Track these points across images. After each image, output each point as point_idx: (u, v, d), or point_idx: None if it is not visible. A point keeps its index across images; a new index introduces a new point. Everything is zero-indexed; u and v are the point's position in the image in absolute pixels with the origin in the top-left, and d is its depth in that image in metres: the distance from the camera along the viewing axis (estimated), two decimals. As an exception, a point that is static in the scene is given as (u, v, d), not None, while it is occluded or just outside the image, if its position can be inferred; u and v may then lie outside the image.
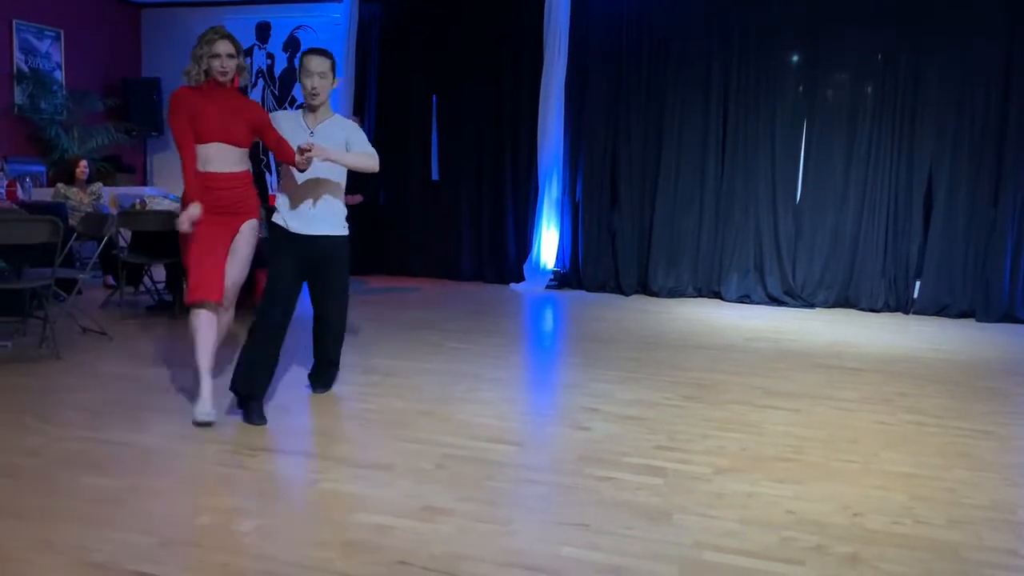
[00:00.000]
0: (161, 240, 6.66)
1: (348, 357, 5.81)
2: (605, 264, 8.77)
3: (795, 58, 8.17)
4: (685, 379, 5.14)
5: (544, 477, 3.42)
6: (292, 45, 10.27)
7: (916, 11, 7.66)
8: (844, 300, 8.09)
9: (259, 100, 10.57)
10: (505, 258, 9.21)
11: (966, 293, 7.74)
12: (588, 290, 8.77)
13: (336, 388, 4.69)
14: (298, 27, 10.23)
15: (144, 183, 10.44)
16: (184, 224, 3.81)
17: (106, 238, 6.52)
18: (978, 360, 6.09)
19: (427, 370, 5.17)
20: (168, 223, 6.52)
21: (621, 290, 8.65)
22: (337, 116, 4.19)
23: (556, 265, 9.00)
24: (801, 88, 8.15)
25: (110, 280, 7.56)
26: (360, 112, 9.59)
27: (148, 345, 5.74)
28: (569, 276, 8.98)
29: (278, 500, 3.16)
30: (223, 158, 3.93)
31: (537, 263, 8.99)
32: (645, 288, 8.63)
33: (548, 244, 8.97)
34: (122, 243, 7.15)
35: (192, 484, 3.28)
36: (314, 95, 4.02)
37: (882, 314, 7.86)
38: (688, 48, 8.35)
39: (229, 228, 4.02)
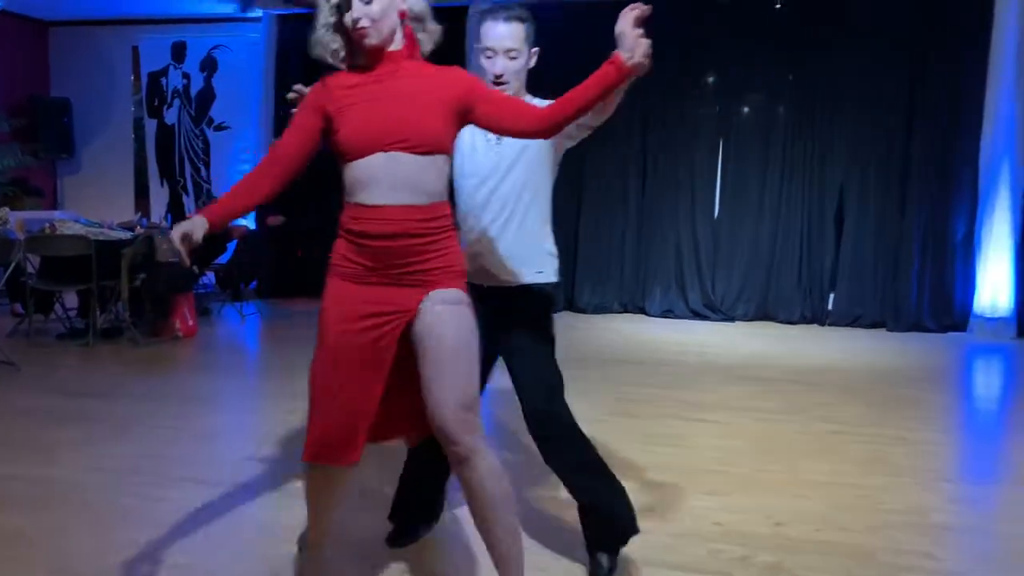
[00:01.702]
0: (72, 265, 6.41)
1: (272, 382, 5.69)
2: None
3: (711, 79, 8.40)
4: (615, 395, 5.19)
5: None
6: (209, 65, 10.07)
7: (827, 34, 7.95)
8: (763, 313, 8.30)
9: (175, 121, 10.32)
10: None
11: (877, 304, 8.03)
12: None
13: (259, 413, 4.57)
14: (215, 47, 10.04)
15: (54, 207, 10.05)
16: (177, 240, 2.19)
17: (13, 264, 6.25)
18: (890, 369, 6.32)
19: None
20: (81, 247, 6.29)
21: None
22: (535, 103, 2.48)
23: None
24: (718, 107, 8.38)
25: (18, 308, 7.25)
26: (280, 134, 9.44)
27: (59, 375, 5.51)
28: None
29: (197, 533, 3.06)
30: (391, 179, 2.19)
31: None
32: (572, 305, 8.71)
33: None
34: (31, 269, 6.86)
35: (106, 519, 3.15)
36: (502, 84, 2.58)
37: (799, 326, 8.09)
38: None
39: (393, 320, 2.22)
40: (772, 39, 8.01)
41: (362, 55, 2.26)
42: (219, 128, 10.10)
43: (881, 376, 6.04)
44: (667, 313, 8.45)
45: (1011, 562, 2.97)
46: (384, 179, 2.17)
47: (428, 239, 2.20)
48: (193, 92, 10.18)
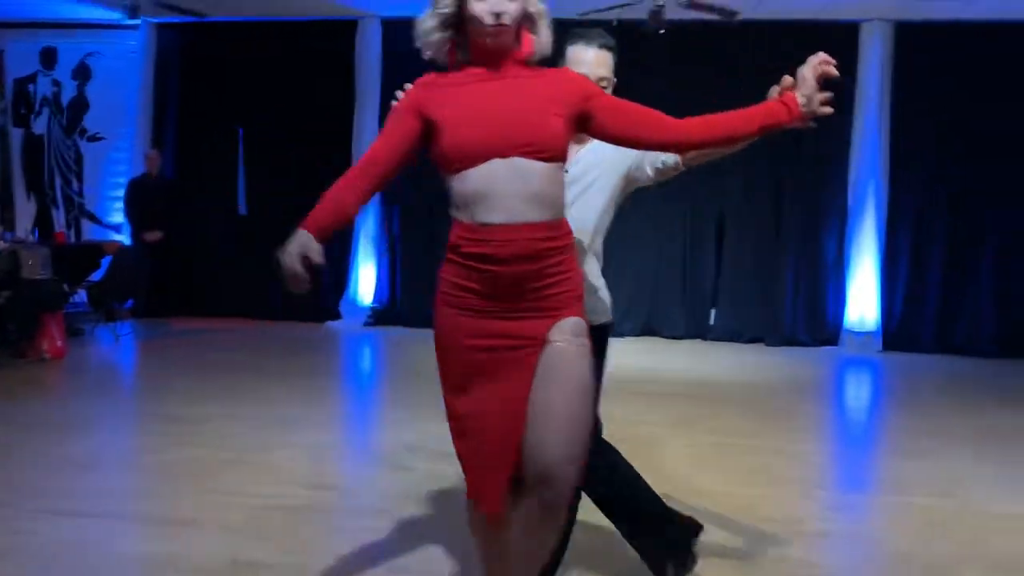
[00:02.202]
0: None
1: (148, 405, 5.42)
2: (426, 299, 8.70)
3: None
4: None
5: (364, 523, 3.31)
6: (82, 73, 9.58)
7: (707, 61, 8.26)
8: (648, 329, 8.51)
9: (44, 130, 9.76)
10: (320, 295, 8.97)
11: (756, 320, 8.37)
12: (409, 326, 8.67)
13: (136, 439, 4.34)
14: (89, 54, 9.57)
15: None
16: (297, 263, 2.05)
17: None
18: (769, 382, 6.58)
19: (238, 416, 4.90)
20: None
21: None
22: None
23: (374, 301, 8.87)
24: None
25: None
26: (159, 145, 9.09)
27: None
28: (388, 312, 8.87)
29: (72, 569, 2.86)
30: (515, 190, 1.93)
31: (355, 299, 8.82)
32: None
33: (366, 280, 8.84)
34: None
35: (-38, 559, 2.90)
36: None
37: (683, 341, 8.33)
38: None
39: (521, 348, 1.98)
40: (656, 63, 8.26)
41: (474, 53, 1.99)
42: (93, 139, 9.61)
43: (760, 389, 6.28)
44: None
45: (887, 567, 3.12)
46: (507, 191, 1.89)
47: (556, 260, 1.95)
48: (64, 101, 9.66)
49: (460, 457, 2.06)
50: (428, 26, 1.98)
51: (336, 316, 8.81)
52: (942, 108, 7.90)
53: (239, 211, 9.19)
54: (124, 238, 8.96)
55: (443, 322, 2.02)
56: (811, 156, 8.19)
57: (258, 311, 8.93)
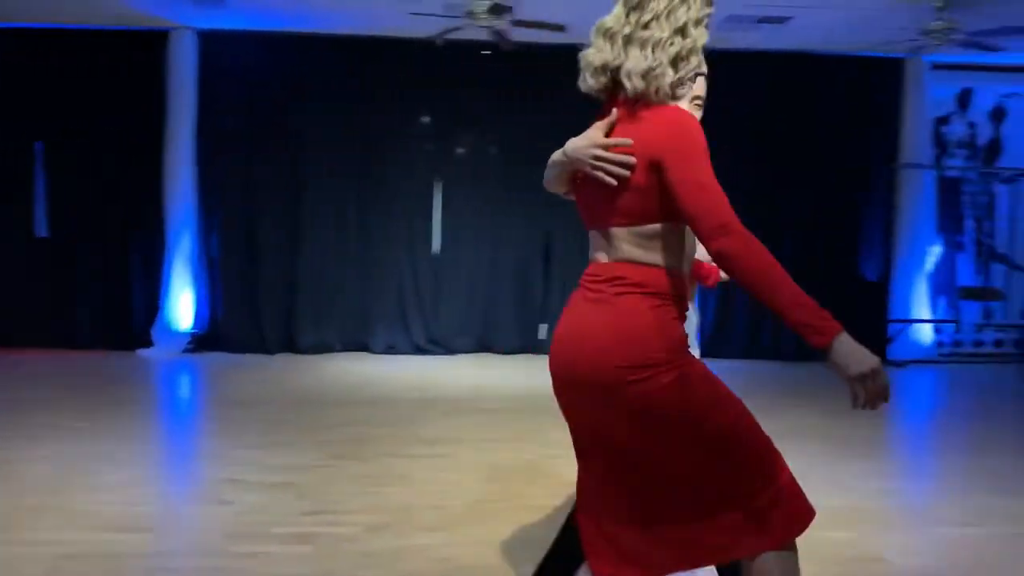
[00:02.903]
0: None
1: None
2: (247, 323, 8.37)
3: (427, 118, 8.60)
4: (336, 437, 5.03)
5: (182, 563, 3.09)
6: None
7: (530, 83, 8.45)
8: (482, 344, 8.57)
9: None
10: (131, 321, 8.37)
11: (584, 332, 8.61)
12: (229, 351, 8.26)
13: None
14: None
15: None
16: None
17: None
18: (597, 392, 6.78)
19: (37, 457, 4.46)
20: None
21: (266, 349, 8.30)
22: None
23: (193, 327, 8.39)
24: (433, 144, 8.59)
25: None
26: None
27: None
28: (208, 337, 8.41)
29: None
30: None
31: (169, 325, 8.29)
32: (292, 346, 8.38)
33: (183, 304, 8.34)
34: None
35: None
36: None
37: (515, 356, 8.44)
38: (326, 99, 8.38)
39: None
40: (483, 83, 8.38)
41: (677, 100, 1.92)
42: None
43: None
44: (390, 349, 8.43)
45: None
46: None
47: None
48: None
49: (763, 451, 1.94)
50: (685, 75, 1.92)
51: (148, 343, 8.24)
52: (745, 130, 8.46)
53: (38, 232, 8.44)
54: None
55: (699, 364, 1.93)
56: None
57: (61, 340, 8.21)
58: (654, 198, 1.86)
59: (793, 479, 1.92)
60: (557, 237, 8.59)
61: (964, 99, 9.06)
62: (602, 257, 1.97)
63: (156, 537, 3.37)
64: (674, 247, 1.91)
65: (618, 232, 1.92)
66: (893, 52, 7.60)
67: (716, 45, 9.40)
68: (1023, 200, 9.12)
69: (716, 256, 1.77)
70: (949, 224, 9.16)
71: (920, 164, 8.69)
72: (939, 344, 8.96)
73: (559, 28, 6.61)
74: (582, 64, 1.98)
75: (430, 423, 5.47)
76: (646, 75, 1.85)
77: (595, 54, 1.94)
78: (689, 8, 1.87)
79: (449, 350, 8.47)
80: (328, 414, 5.67)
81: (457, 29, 6.63)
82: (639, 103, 1.89)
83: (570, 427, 2.08)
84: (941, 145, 9.10)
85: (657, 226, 1.88)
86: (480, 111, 8.50)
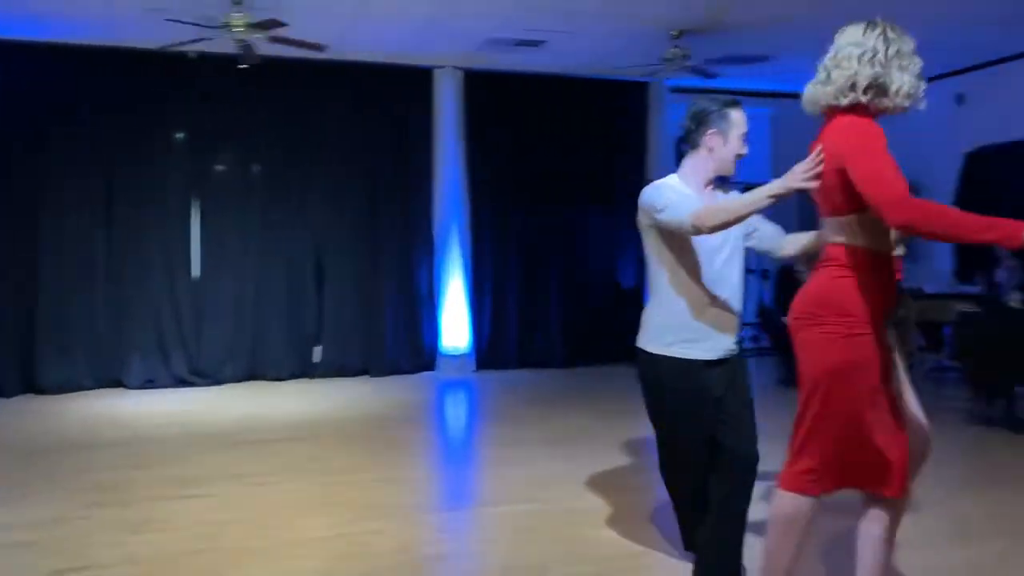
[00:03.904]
0: None
1: None
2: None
3: (181, 135, 8.08)
4: (88, 484, 4.56)
5: None
6: None
7: (296, 98, 8.20)
8: (252, 372, 8.16)
9: None
10: None
11: (360, 353, 8.48)
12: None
13: None
14: None
15: None
16: None
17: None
18: (376, 413, 6.70)
19: None
20: None
21: (1, 391, 7.37)
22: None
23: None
24: (190, 164, 8.07)
25: None
26: None
27: None
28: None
29: None
30: None
31: None
32: (32, 385, 7.50)
33: None
34: None
35: None
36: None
37: (288, 382, 8.12)
38: (67, 120, 7.63)
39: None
40: (242, 98, 8.02)
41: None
42: None
43: (369, 421, 6.36)
44: (149, 384, 7.79)
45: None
46: None
47: None
48: None
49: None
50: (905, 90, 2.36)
51: None
52: (508, 149, 8.80)
53: None
54: None
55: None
56: (401, 191, 8.56)
57: None
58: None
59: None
60: (328, 256, 8.40)
61: (700, 120, 9.95)
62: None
63: None
64: (873, 227, 2.37)
65: None
66: (638, 76, 8.18)
67: (475, 66, 9.77)
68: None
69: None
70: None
71: (666, 179, 9.43)
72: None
73: (318, 47, 6.50)
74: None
75: (195, 461, 5.11)
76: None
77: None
78: None
79: (215, 380, 7.98)
80: (77, 459, 5.13)
81: (207, 40, 6.31)
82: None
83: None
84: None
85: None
86: (239, 126, 8.11)
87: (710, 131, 2.91)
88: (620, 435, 5.65)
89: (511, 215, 8.89)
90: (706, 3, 6.40)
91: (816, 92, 2.40)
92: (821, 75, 2.37)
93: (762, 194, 2.54)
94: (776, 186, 2.50)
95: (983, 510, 4.04)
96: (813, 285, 2.41)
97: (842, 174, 2.25)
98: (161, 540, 3.67)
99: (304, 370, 8.30)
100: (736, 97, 3.01)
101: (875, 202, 2.18)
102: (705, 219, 2.66)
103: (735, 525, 2.93)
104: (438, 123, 8.58)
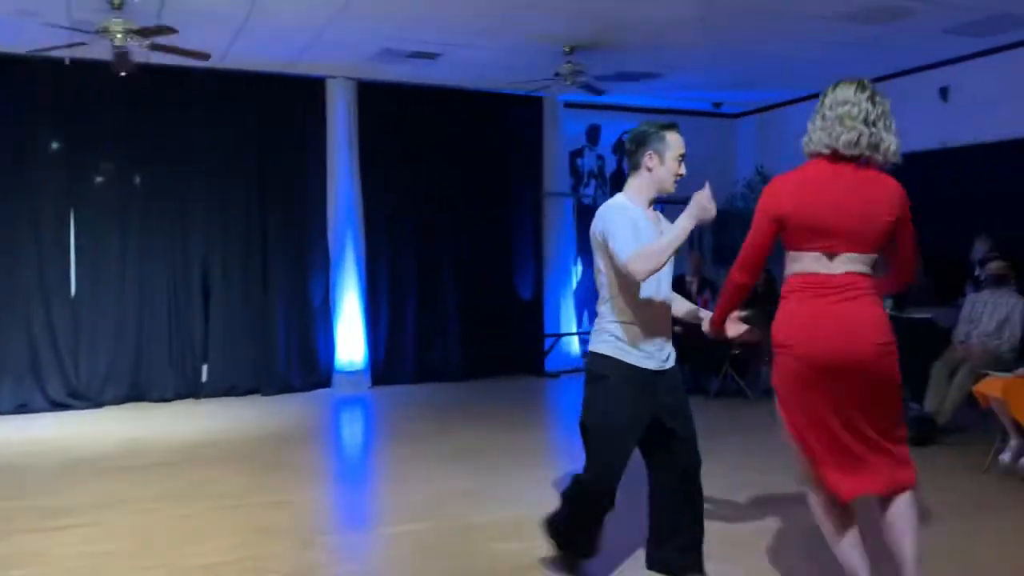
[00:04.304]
0: None
1: None
2: None
3: (55, 144, 7.64)
4: (-52, 520, 4.23)
5: None
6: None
7: (177, 108, 7.89)
8: (134, 394, 7.77)
9: None
10: None
11: (250, 371, 8.19)
12: None
13: None
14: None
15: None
16: None
17: None
18: (268, 432, 6.48)
19: None
20: None
21: None
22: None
23: None
24: (65, 174, 7.63)
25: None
26: None
27: None
28: None
29: None
30: None
31: None
32: None
33: None
34: None
35: None
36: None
37: (174, 403, 7.76)
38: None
39: None
40: (123, 106, 7.66)
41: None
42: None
43: (260, 441, 6.15)
44: (21, 408, 7.30)
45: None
46: None
47: None
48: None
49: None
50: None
51: None
52: (404, 161, 8.72)
53: None
54: None
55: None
56: (293, 204, 8.36)
57: None
58: None
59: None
60: (215, 273, 8.08)
61: (593, 135, 10.13)
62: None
63: None
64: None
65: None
66: (532, 91, 8.27)
67: (369, 77, 9.68)
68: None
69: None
70: (587, 246, 10.15)
71: (561, 192, 9.55)
72: (584, 355, 9.89)
73: (203, 56, 6.29)
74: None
75: (73, 489, 4.81)
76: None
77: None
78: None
79: (95, 403, 7.56)
80: (-62, 493, 4.76)
81: (82, 45, 6.00)
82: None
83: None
84: (577, 175, 10.08)
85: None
86: (120, 136, 7.74)
87: (648, 152, 3.07)
88: (518, 448, 5.65)
89: (407, 227, 8.81)
90: (595, 20, 6.51)
91: (849, 138, 2.62)
92: (843, 127, 2.61)
93: (680, 230, 2.86)
94: (690, 220, 2.83)
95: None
96: (880, 311, 2.71)
97: (892, 224, 2.65)
98: (33, 575, 3.43)
99: (191, 390, 7.95)
100: (673, 120, 3.20)
101: (912, 262, 2.83)
102: (639, 268, 2.89)
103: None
104: (331, 134, 8.43)
